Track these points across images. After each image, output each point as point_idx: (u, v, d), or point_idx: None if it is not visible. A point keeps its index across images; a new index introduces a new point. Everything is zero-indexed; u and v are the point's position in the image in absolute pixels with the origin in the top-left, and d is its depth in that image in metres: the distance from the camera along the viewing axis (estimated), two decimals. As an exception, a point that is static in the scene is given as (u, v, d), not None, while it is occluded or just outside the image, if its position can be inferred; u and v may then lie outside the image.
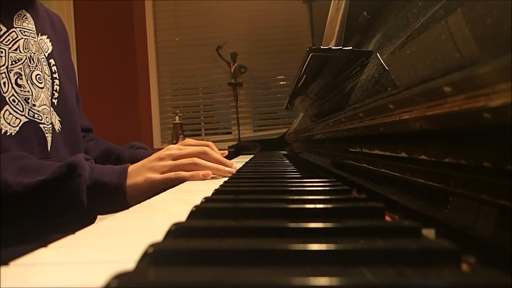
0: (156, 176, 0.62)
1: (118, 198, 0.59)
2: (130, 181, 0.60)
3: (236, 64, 2.70)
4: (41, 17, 0.79)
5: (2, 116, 0.63)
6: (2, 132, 0.63)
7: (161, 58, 2.92)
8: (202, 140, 0.73)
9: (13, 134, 0.65)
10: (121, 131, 2.61)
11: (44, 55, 0.76)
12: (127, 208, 0.61)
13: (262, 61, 2.87)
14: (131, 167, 0.63)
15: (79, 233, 0.29)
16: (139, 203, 0.61)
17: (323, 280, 0.15)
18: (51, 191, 0.56)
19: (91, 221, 0.60)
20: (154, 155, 0.67)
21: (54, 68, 0.78)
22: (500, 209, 0.19)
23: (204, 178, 0.64)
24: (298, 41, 2.83)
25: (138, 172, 0.62)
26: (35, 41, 0.73)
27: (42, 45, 0.76)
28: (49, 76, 0.76)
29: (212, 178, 0.68)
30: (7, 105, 0.64)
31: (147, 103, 2.88)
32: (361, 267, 0.16)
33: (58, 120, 0.76)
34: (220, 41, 2.72)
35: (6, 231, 0.57)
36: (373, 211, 0.31)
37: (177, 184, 0.62)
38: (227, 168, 0.68)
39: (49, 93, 0.75)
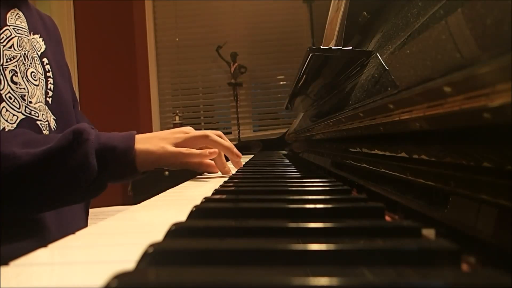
0: (169, 147, 0.63)
1: (128, 162, 0.59)
2: (141, 146, 0.61)
3: (236, 64, 2.70)
4: (33, 16, 0.79)
5: None
6: (0, 129, 0.63)
7: (161, 58, 2.92)
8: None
9: (10, 130, 0.65)
10: (121, 131, 2.60)
11: (37, 54, 0.76)
12: (137, 173, 0.62)
13: (262, 61, 2.87)
14: (139, 135, 0.63)
15: (79, 233, 0.29)
16: (148, 169, 0.62)
17: (323, 280, 0.15)
18: (60, 158, 0.55)
19: (102, 188, 0.60)
20: (167, 130, 0.69)
21: (47, 67, 0.78)
22: (500, 209, 0.19)
23: (211, 156, 0.66)
24: (298, 41, 2.83)
25: (150, 141, 0.63)
26: (28, 39, 0.73)
27: (35, 44, 0.76)
28: (42, 75, 0.76)
29: (212, 178, 0.68)
30: (4, 102, 0.65)
31: (147, 103, 2.88)
32: (361, 267, 0.16)
33: (53, 119, 0.76)
34: (220, 41, 2.72)
35: (13, 208, 0.56)
36: (373, 211, 0.31)
37: (189, 160, 0.64)
38: (235, 150, 0.70)
39: (44, 92, 0.75)
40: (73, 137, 0.56)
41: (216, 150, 0.67)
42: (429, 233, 0.25)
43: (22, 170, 0.53)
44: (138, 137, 0.63)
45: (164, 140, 0.63)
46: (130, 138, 0.61)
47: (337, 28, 0.71)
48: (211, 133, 0.69)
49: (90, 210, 0.85)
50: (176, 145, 0.64)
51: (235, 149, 0.72)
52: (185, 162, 0.64)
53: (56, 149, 0.55)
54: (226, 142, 0.71)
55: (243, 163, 1.00)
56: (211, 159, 0.71)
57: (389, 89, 0.35)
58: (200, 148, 0.68)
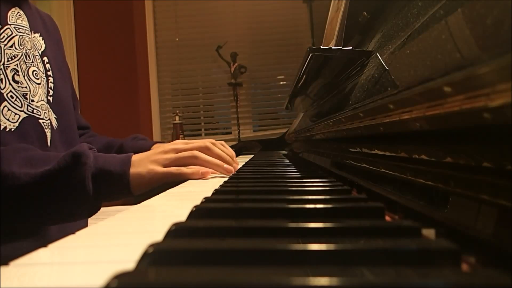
0: (158, 169, 0.63)
1: (122, 186, 0.60)
2: (133, 170, 0.62)
3: (236, 64, 2.70)
4: (33, 15, 0.79)
5: (1, 112, 0.64)
6: (2, 128, 0.63)
7: (161, 58, 2.92)
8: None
9: (12, 129, 0.65)
10: (121, 131, 2.60)
11: (38, 52, 0.76)
12: (132, 196, 0.62)
13: (262, 61, 2.87)
14: (135, 157, 0.64)
15: (79, 233, 0.29)
16: (142, 192, 0.63)
17: (323, 280, 0.15)
18: (57, 180, 0.56)
19: (96, 209, 0.61)
20: (160, 148, 0.69)
21: (48, 66, 0.78)
22: (500, 209, 0.19)
23: (203, 176, 0.66)
24: (298, 41, 2.83)
25: (142, 163, 0.63)
26: (29, 38, 0.73)
27: (35, 42, 0.76)
28: (43, 74, 0.76)
29: (212, 177, 0.68)
30: (5, 101, 0.65)
31: (147, 103, 2.88)
32: (361, 267, 0.16)
33: (54, 118, 0.76)
34: (220, 41, 2.72)
35: (12, 223, 0.58)
36: (373, 211, 0.31)
37: (179, 179, 0.63)
38: (226, 165, 0.69)
39: (45, 90, 0.75)
40: (72, 159, 0.57)
41: (209, 170, 0.67)
42: (429, 233, 0.25)
43: (20, 190, 0.55)
44: (134, 159, 0.63)
45: (154, 163, 0.64)
46: (126, 162, 0.62)
47: (337, 28, 0.71)
48: (203, 150, 0.68)
49: (90, 210, 0.85)
50: (165, 165, 0.64)
51: (224, 165, 0.69)
52: (177, 179, 0.65)
53: (55, 171, 0.56)
54: (214, 159, 0.69)
55: (243, 163, 1.00)
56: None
57: (389, 89, 0.35)
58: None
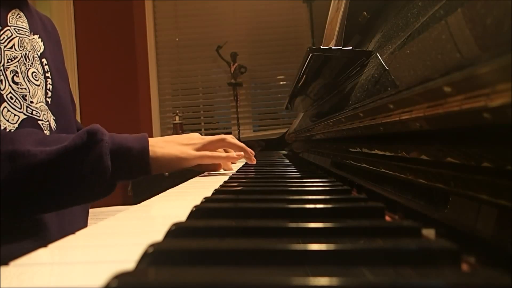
0: (192, 151, 0.66)
1: (143, 163, 0.60)
2: (161, 150, 0.62)
3: (236, 64, 2.70)
4: (33, 16, 0.79)
5: (0, 113, 0.64)
6: (1, 129, 0.63)
7: (161, 58, 2.92)
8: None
9: (12, 131, 0.65)
10: (121, 131, 2.59)
11: (37, 54, 0.76)
12: (149, 174, 0.62)
13: (262, 61, 2.87)
14: (151, 138, 0.64)
15: (79, 233, 0.29)
16: (163, 172, 0.64)
17: (323, 280, 0.15)
18: (74, 158, 0.55)
19: (112, 189, 0.60)
20: (178, 136, 0.71)
21: (46, 67, 0.78)
22: (500, 209, 0.19)
23: (238, 159, 0.73)
24: (298, 41, 2.83)
25: (169, 145, 0.64)
26: (29, 39, 0.73)
27: (35, 44, 0.76)
28: (42, 75, 0.76)
29: (212, 175, 0.68)
30: (5, 103, 0.65)
31: (147, 103, 2.88)
32: (361, 267, 0.16)
33: (53, 119, 0.76)
34: (220, 41, 2.72)
35: (31, 206, 0.56)
36: (373, 211, 0.31)
37: (213, 163, 0.69)
38: (248, 149, 0.77)
39: (44, 92, 0.75)
40: (87, 137, 0.56)
41: (242, 153, 0.73)
42: (429, 233, 0.25)
43: (36, 167, 0.53)
44: (152, 140, 0.64)
45: (187, 146, 0.66)
46: (144, 139, 0.62)
47: (337, 28, 0.71)
48: (227, 136, 0.74)
49: (90, 210, 0.85)
50: (197, 149, 0.67)
51: (248, 149, 0.77)
52: (205, 164, 0.67)
53: (71, 148, 0.55)
54: (240, 143, 0.76)
55: (243, 163, 1.00)
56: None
57: (389, 89, 0.35)
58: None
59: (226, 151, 0.78)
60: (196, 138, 0.71)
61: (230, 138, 0.74)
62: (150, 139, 0.63)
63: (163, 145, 0.63)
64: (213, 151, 0.71)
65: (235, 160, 0.72)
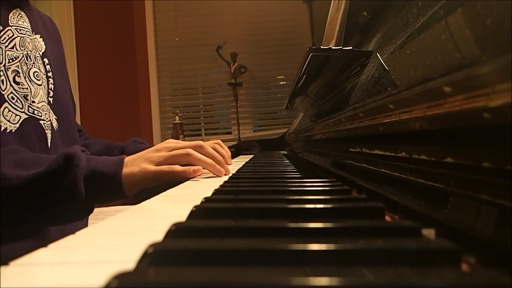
0: (151, 167, 0.63)
1: (115, 187, 0.60)
2: (126, 170, 0.61)
3: (236, 64, 2.70)
4: (34, 16, 0.79)
5: (1, 113, 0.64)
6: (2, 129, 0.63)
7: (161, 58, 2.92)
8: (202, 140, 0.74)
9: (13, 131, 0.65)
10: (121, 131, 2.60)
11: (39, 53, 0.76)
12: (124, 197, 0.62)
13: (262, 61, 2.87)
14: (128, 158, 0.64)
15: (79, 233, 0.29)
16: (135, 193, 0.62)
17: (323, 280, 0.15)
18: (49, 182, 0.56)
19: (89, 211, 0.61)
20: (152, 147, 0.69)
21: (48, 67, 0.78)
22: (500, 209, 0.19)
23: (194, 174, 0.65)
24: (298, 41, 2.83)
25: (134, 162, 0.63)
26: (31, 39, 0.74)
27: (36, 44, 0.76)
28: (44, 75, 0.76)
29: (211, 177, 0.68)
30: (6, 103, 0.65)
31: (147, 103, 2.88)
32: (361, 267, 0.16)
33: (55, 118, 0.77)
34: (220, 41, 2.72)
35: (5, 226, 0.57)
36: (373, 211, 0.31)
37: (171, 178, 0.63)
38: (217, 166, 0.68)
39: (45, 91, 0.75)
40: (64, 161, 0.57)
41: (200, 168, 0.66)
42: (429, 233, 0.25)
43: (12, 192, 0.54)
44: (128, 159, 0.63)
45: (146, 161, 0.63)
46: (119, 163, 0.61)
47: (337, 28, 0.71)
48: (196, 148, 0.68)
49: (90, 210, 0.85)
50: (158, 164, 0.63)
51: (216, 166, 0.68)
52: (170, 178, 0.64)
53: (47, 173, 0.56)
54: (207, 158, 0.68)
55: (243, 163, 1.00)
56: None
57: (389, 89, 0.35)
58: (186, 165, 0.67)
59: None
60: (163, 149, 0.66)
61: (195, 153, 0.66)
62: (126, 159, 0.62)
63: (130, 164, 0.62)
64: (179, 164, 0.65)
65: (192, 175, 0.65)
